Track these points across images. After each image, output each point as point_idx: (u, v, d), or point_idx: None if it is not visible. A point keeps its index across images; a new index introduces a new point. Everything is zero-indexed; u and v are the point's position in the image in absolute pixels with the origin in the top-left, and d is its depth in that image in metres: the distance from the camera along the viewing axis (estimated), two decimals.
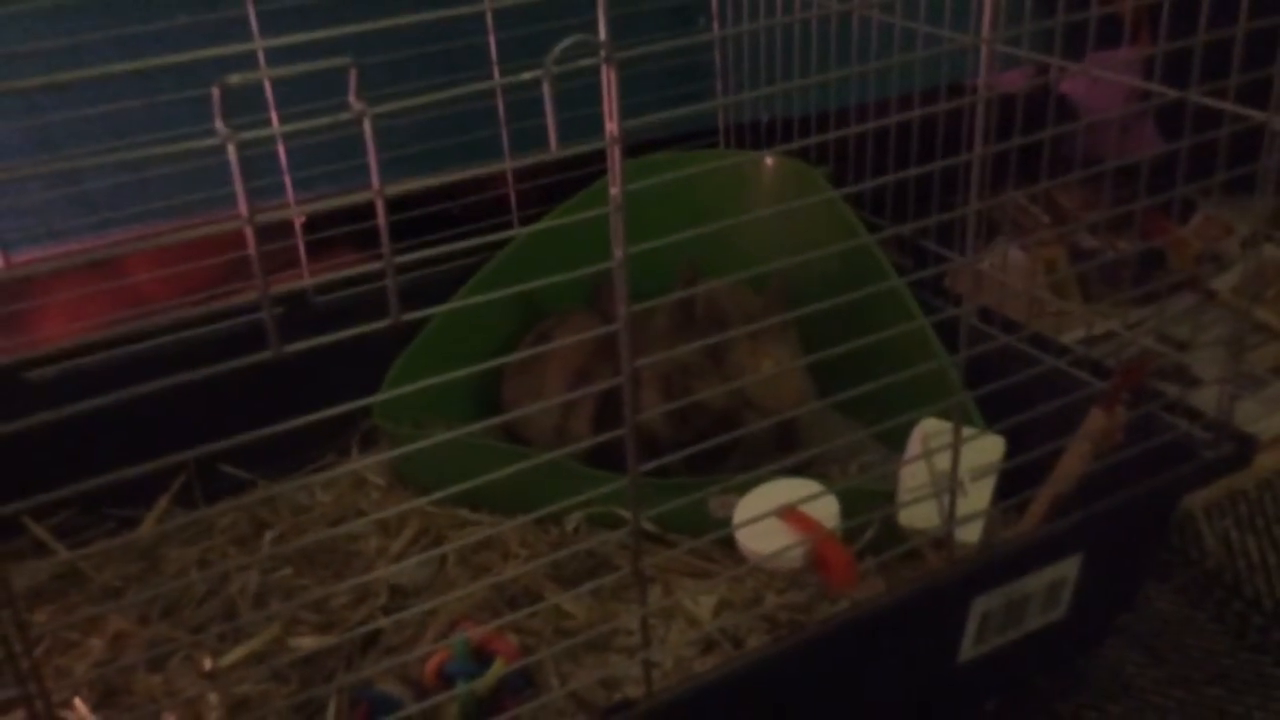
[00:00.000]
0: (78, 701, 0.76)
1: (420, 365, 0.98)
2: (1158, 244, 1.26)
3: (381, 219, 0.44)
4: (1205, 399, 0.77)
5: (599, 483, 0.86)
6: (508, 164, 0.92)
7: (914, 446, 0.72)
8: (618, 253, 0.48)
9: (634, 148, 0.51)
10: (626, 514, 0.85)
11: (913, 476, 0.69)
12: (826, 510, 0.65)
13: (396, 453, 0.70)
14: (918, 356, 0.82)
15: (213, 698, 0.74)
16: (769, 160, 1.06)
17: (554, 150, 0.44)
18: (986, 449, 0.69)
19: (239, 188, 0.40)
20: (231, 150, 0.39)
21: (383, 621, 0.80)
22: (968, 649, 0.72)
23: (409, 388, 0.51)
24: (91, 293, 1.04)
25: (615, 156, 0.46)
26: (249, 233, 0.40)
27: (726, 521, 0.81)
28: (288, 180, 0.98)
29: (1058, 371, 0.83)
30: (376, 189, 0.41)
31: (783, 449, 0.92)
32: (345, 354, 0.86)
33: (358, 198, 0.42)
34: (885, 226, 0.99)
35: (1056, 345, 0.85)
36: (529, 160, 0.45)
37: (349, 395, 0.49)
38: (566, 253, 0.70)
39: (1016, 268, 1.18)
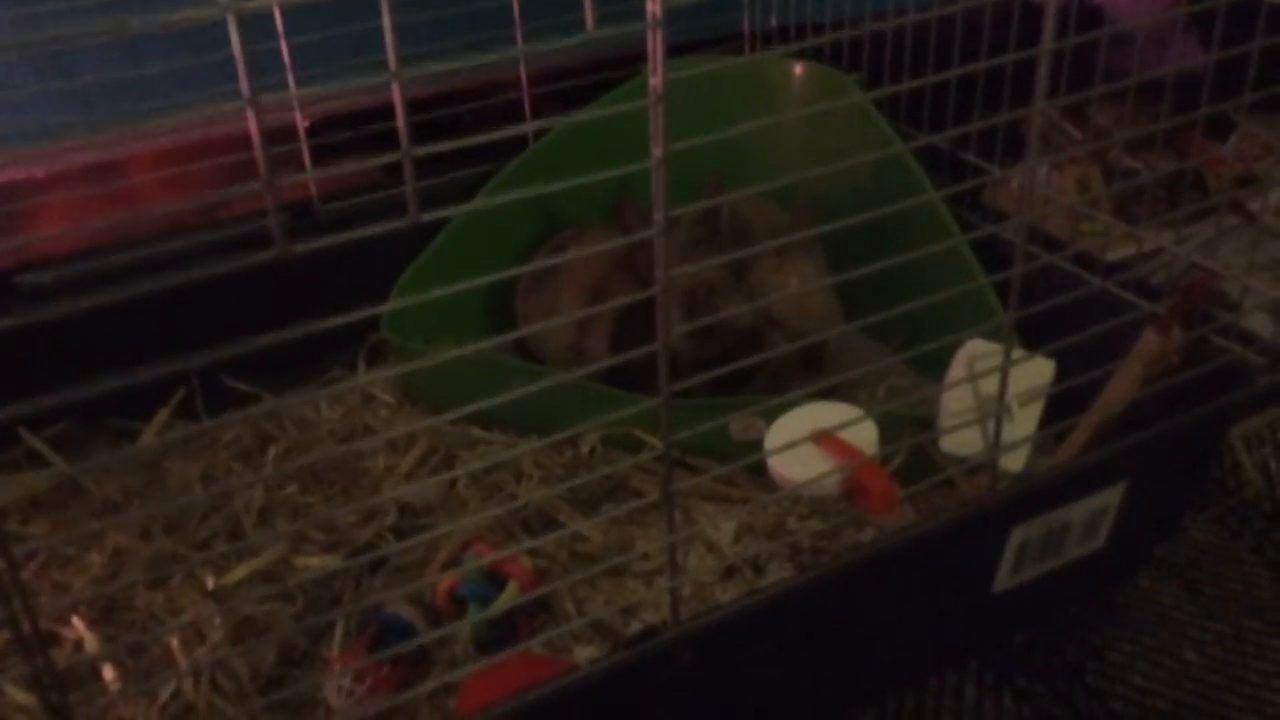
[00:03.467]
0: (75, 618, 0.73)
1: (430, 277, 0.94)
2: (1195, 163, 1.21)
3: (399, 109, 0.39)
4: (1249, 324, 0.74)
5: (618, 403, 0.83)
6: (532, 74, 0.86)
7: (958, 369, 0.68)
8: (656, 151, 0.44)
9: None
10: (647, 436, 0.84)
11: (956, 400, 0.65)
12: (865, 435, 0.61)
13: (407, 367, 0.67)
14: (954, 276, 0.78)
15: (216, 617, 0.72)
16: (798, 68, 1.01)
17: (591, 29, 0.39)
18: (1035, 372, 0.65)
19: (240, 64, 0.35)
20: (231, 21, 0.35)
21: (394, 546, 0.78)
22: (1003, 579, 0.69)
23: (418, 298, 0.48)
24: (85, 197, 1.00)
25: (657, 41, 0.42)
26: (251, 116, 0.36)
27: (749, 444, 0.78)
28: (291, 79, 0.93)
29: (1102, 292, 0.79)
30: (394, 69, 0.37)
31: (808, 370, 0.88)
32: (353, 264, 0.82)
33: (372, 81, 0.38)
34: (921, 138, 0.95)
35: (1103, 265, 0.81)
36: (563, 44, 0.40)
37: (356, 308, 0.45)
38: (588, 158, 0.66)
39: (1046, 187, 1.13)
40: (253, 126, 0.34)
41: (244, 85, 0.34)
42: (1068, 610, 0.79)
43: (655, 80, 0.43)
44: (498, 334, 0.52)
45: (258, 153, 0.34)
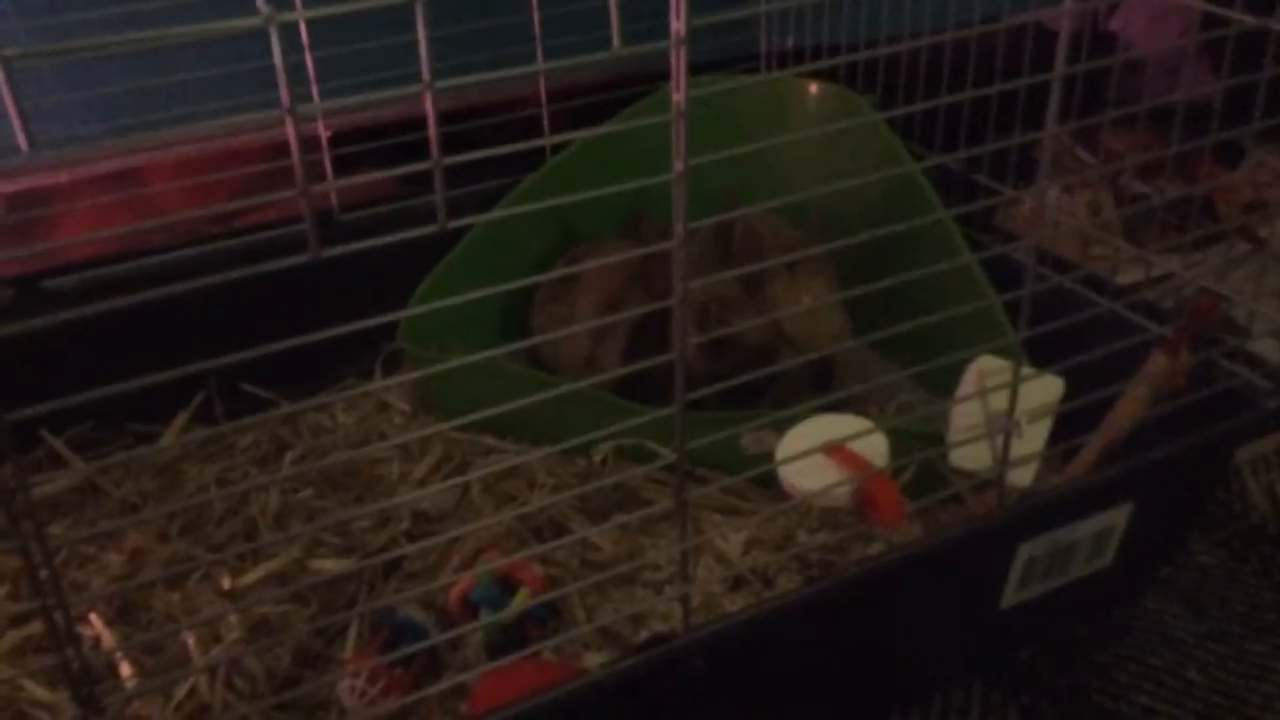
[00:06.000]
0: (93, 616, 0.75)
1: (447, 288, 0.95)
2: (1205, 189, 1.22)
3: (431, 120, 0.40)
4: (1257, 348, 0.75)
5: (630, 414, 0.84)
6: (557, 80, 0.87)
7: (968, 385, 0.69)
8: (678, 164, 0.45)
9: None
10: (658, 447, 0.84)
11: (965, 416, 0.66)
12: (875, 448, 0.62)
13: (422, 373, 0.68)
14: (963, 295, 0.79)
15: (232, 617, 0.73)
16: (813, 88, 1.02)
17: (617, 47, 0.41)
18: (1044, 390, 0.66)
19: (280, 75, 0.37)
20: (274, 33, 0.36)
21: (408, 549, 0.79)
22: (1010, 596, 0.69)
23: (435, 304, 0.49)
24: (107, 203, 1.01)
25: (680, 58, 0.43)
26: (289, 126, 0.37)
27: (760, 457, 0.79)
28: (315, 90, 0.95)
29: (1111, 314, 0.80)
30: (426, 80, 0.38)
31: (818, 386, 0.89)
32: (371, 274, 0.84)
33: (405, 91, 0.39)
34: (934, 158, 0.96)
35: (1112, 287, 0.82)
36: (588, 61, 0.41)
37: (373, 317, 0.46)
38: (605, 173, 0.67)
39: (1057, 209, 1.14)
40: (291, 136, 0.35)
41: (284, 96, 0.35)
42: (1074, 629, 0.79)
43: (678, 96, 0.44)
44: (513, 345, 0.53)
45: (295, 161, 0.35)
